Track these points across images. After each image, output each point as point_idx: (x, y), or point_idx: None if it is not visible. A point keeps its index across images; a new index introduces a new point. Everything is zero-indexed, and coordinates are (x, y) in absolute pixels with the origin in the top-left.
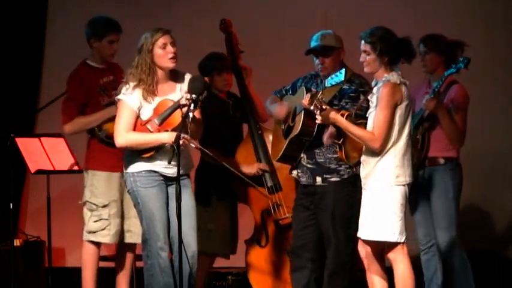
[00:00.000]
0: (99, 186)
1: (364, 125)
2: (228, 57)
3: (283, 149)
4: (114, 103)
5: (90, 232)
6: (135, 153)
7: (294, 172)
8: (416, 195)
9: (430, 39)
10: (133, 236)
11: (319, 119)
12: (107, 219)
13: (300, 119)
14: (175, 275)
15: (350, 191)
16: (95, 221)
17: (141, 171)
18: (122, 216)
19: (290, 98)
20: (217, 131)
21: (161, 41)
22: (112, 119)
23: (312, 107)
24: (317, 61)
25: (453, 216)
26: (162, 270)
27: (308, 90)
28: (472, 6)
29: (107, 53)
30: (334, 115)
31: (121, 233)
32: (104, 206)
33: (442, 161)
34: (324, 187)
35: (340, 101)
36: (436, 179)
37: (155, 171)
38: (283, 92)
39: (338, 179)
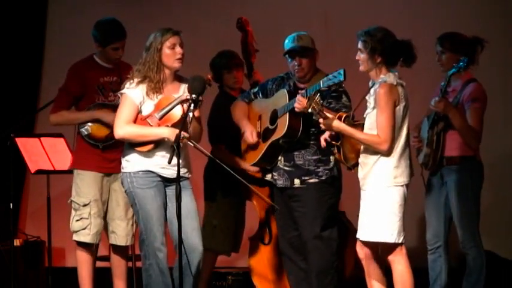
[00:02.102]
0: (81, 185)
1: (362, 126)
2: (242, 56)
3: (262, 152)
4: (105, 105)
5: (73, 231)
6: (132, 150)
7: (268, 176)
8: (431, 196)
9: (445, 39)
10: (117, 238)
11: (322, 127)
12: (87, 219)
13: (285, 121)
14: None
15: (328, 192)
16: (77, 220)
17: (138, 172)
18: (106, 218)
19: (265, 101)
20: (226, 129)
21: (171, 41)
22: (96, 121)
23: (309, 110)
24: (293, 62)
25: (473, 215)
26: (160, 271)
27: (290, 93)
28: (472, 6)
29: (112, 58)
30: (337, 124)
31: (107, 233)
32: (85, 205)
33: (459, 160)
34: (303, 189)
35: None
36: (454, 178)
37: (153, 172)
38: (252, 95)
39: (316, 180)
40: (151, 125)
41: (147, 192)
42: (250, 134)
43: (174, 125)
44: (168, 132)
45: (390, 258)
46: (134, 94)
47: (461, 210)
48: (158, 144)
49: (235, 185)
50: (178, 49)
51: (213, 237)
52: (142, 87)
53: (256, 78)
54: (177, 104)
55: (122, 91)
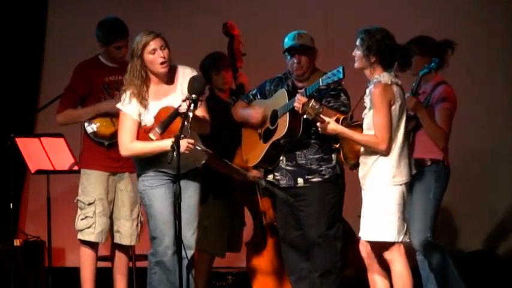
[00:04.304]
0: (87, 184)
1: (361, 126)
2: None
3: (263, 153)
4: None
5: (78, 230)
6: (144, 158)
7: (270, 176)
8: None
9: (415, 43)
10: (122, 237)
11: (320, 131)
12: (92, 217)
13: (285, 121)
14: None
15: (332, 191)
16: (82, 219)
17: (147, 172)
18: (112, 217)
19: (265, 102)
20: (217, 131)
21: (151, 45)
22: (102, 115)
23: (305, 116)
24: (292, 60)
25: (430, 217)
26: (167, 269)
27: (289, 93)
28: (472, 7)
29: (115, 57)
30: (334, 126)
31: (111, 233)
32: (90, 204)
33: (428, 162)
34: (306, 188)
35: (320, 100)
36: (420, 179)
37: (161, 171)
38: (251, 97)
39: (320, 179)
40: (153, 139)
41: (156, 191)
42: (255, 112)
43: (178, 131)
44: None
45: (389, 257)
46: (131, 109)
47: (419, 212)
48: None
49: (226, 186)
50: (159, 53)
51: (204, 238)
52: (136, 100)
53: (240, 80)
54: (175, 116)
55: (118, 107)
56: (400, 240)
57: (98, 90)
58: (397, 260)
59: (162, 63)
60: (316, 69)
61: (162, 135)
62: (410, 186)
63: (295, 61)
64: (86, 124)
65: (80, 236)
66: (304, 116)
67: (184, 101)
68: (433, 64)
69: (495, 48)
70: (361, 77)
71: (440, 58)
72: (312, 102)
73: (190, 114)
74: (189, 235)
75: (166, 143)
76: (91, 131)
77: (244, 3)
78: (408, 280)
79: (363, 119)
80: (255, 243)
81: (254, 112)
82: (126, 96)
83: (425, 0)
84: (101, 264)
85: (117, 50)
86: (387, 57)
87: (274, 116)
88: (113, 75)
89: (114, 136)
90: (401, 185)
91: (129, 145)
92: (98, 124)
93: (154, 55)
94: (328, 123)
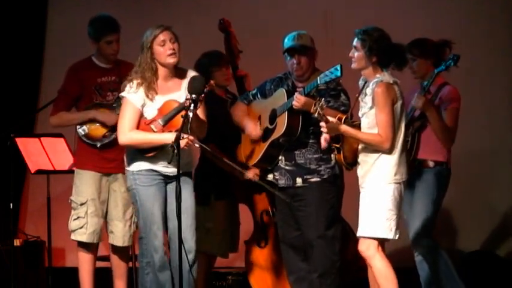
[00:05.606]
0: (79, 184)
1: (358, 126)
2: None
3: (262, 152)
4: (103, 105)
5: (71, 231)
6: (138, 153)
7: (270, 176)
8: (406, 197)
9: (414, 46)
10: (115, 238)
11: (324, 131)
12: (83, 218)
13: (284, 120)
14: (172, 274)
15: (331, 191)
16: (74, 219)
17: (141, 170)
18: (106, 217)
19: (264, 101)
20: (215, 129)
21: (160, 37)
22: (93, 120)
23: (315, 115)
24: (292, 60)
25: (429, 218)
26: (157, 270)
27: (288, 92)
28: (472, 7)
29: (107, 53)
30: (342, 127)
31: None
32: (82, 204)
33: (431, 164)
34: (305, 188)
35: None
36: (422, 180)
37: (155, 170)
38: (250, 97)
39: (319, 179)
40: (155, 131)
41: (149, 190)
42: (253, 129)
43: (178, 131)
44: (172, 138)
45: (367, 254)
46: (135, 98)
47: (419, 211)
48: (162, 146)
49: (227, 186)
50: (168, 45)
51: (207, 240)
52: (142, 90)
53: (240, 73)
54: (181, 110)
55: (123, 94)
56: (396, 237)
57: (90, 91)
58: (374, 256)
59: (170, 55)
60: (316, 69)
61: (163, 128)
62: (411, 186)
63: (295, 62)
64: (77, 126)
65: (72, 237)
66: (315, 115)
67: (187, 98)
68: (450, 61)
69: (495, 48)
70: (360, 77)
71: (439, 58)
72: (323, 101)
73: (191, 114)
74: (189, 237)
75: (167, 137)
76: (82, 133)
77: (244, 3)
78: (391, 273)
79: (360, 118)
80: (255, 240)
81: (253, 130)
82: (133, 85)
83: (425, 0)
84: (101, 264)
85: (108, 45)
86: (386, 57)
87: (273, 115)
88: (105, 76)
89: (104, 138)
90: (400, 183)
91: (128, 133)
92: (89, 126)
93: (164, 47)
94: (338, 123)
